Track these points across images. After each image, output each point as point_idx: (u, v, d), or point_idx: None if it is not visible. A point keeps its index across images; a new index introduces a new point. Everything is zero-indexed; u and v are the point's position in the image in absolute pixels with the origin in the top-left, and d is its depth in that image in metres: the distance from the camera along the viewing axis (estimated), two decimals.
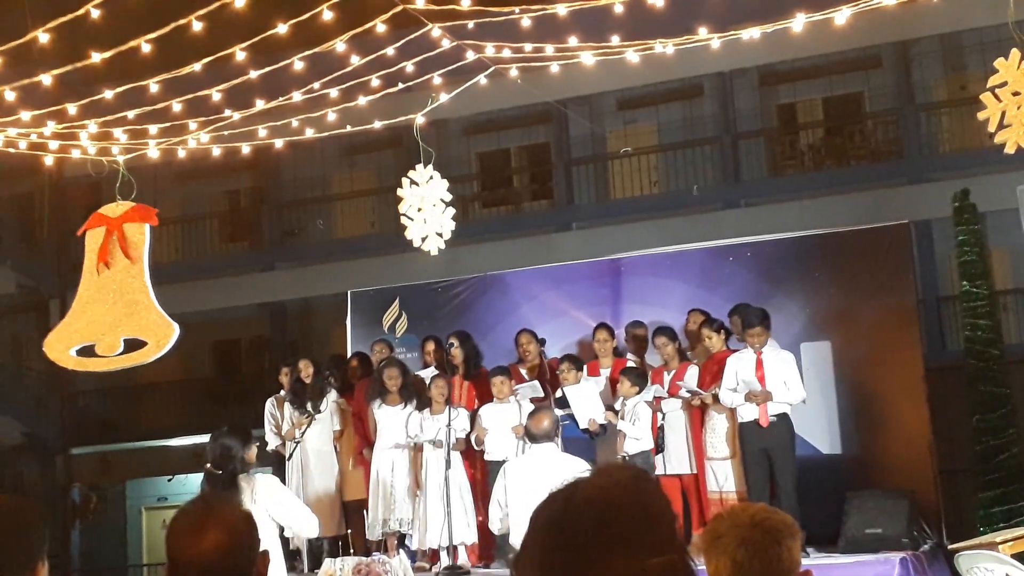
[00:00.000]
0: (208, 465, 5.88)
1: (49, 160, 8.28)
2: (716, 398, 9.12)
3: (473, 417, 9.53)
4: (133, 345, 7.16)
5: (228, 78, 7.25)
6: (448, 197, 8.41)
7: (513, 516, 7.23)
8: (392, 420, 9.70)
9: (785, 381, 8.83)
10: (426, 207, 8.38)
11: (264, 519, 5.72)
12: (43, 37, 5.95)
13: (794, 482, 8.68)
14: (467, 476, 9.38)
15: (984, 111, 6.31)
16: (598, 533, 1.57)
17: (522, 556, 1.62)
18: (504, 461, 8.30)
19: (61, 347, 7.08)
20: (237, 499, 5.63)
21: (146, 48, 6.18)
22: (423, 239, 8.43)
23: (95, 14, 5.69)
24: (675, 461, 9.34)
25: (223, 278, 20.67)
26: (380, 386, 9.78)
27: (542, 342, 10.23)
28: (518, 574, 1.63)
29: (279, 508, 5.86)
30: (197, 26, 6.03)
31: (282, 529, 6.52)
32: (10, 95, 6.87)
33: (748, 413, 8.83)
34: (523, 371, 10.07)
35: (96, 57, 6.30)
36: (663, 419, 9.34)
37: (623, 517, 1.59)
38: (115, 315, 7.01)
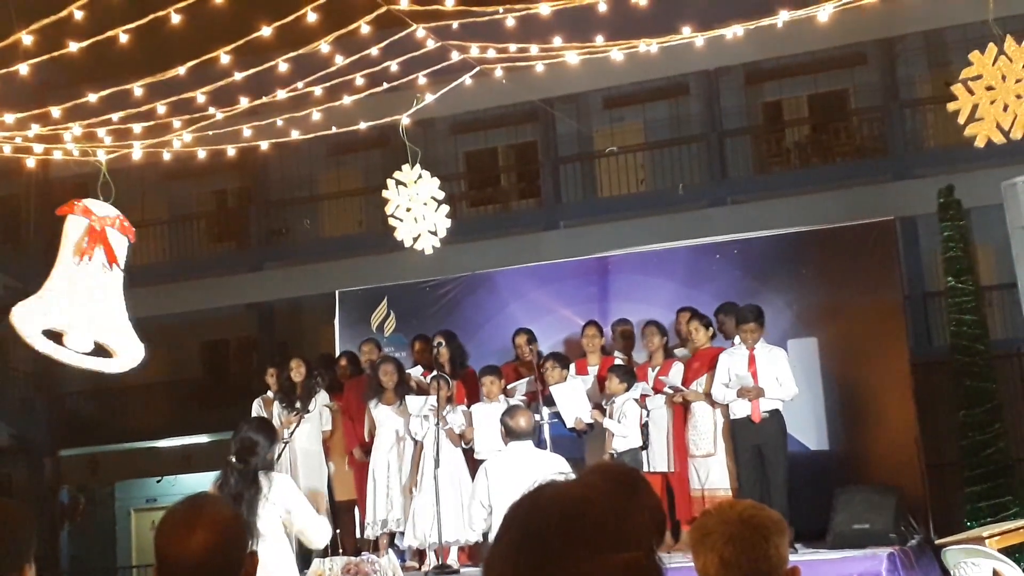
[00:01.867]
0: (232, 458, 5.66)
1: (31, 162, 8.24)
2: (699, 395, 9.16)
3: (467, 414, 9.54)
4: (99, 351, 7.00)
5: (213, 80, 7.24)
6: (440, 195, 8.38)
7: (496, 515, 7.23)
8: (389, 418, 9.71)
9: (777, 377, 8.88)
10: (416, 206, 8.35)
11: (275, 519, 5.63)
12: (27, 39, 5.94)
13: (785, 478, 8.72)
14: (468, 474, 9.35)
15: (955, 102, 6.33)
16: (562, 531, 1.58)
17: (493, 554, 1.64)
18: None
19: (32, 323, 6.78)
20: (256, 497, 5.54)
21: (127, 41, 6.14)
22: (415, 239, 8.38)
23: (78, 15, 5.68)
24: (657, 459, 9.37)
25: (211, 278, 20.63)
26: (376, 384, 9.79)
27: (533, 339, 10.25)
28: (489, 572, 1.65)
29: (293, 511, 5.72)
30: (176, 19, 6.00)
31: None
32: None
33: (740, 409, 8.86)
34: (519, 368, 10.09)
35: (74, 47, 6.24)
36: (647, 416, 9.37)
37: (587, 514, 1.60)
38: (90, 314, 6.87)
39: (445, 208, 8.37)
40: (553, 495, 1.64)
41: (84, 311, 6.81)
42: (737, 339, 9.24)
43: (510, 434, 7.12)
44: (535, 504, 1.63)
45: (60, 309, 6.77)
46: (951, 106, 6.34)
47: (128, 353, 6.97)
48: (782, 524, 2.53)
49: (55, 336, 6.83)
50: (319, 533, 5.88)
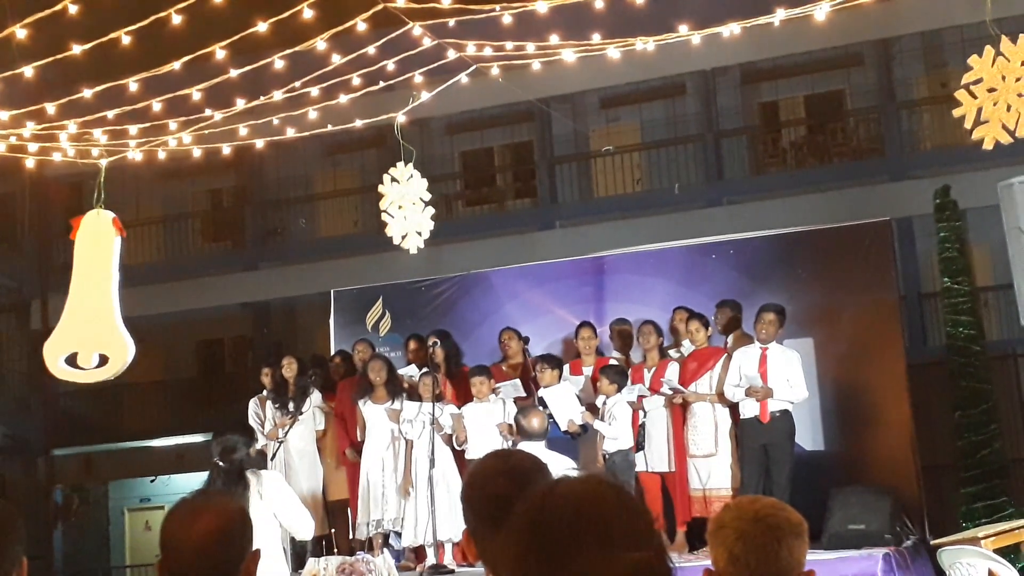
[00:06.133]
0: (215, 460, 5.90)
1: (30, 163, 8.22)
2: (699, 396, 9.16)
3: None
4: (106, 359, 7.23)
5: (208, 77, 7.21)
6: (427, 196, 8.41)
7: None
8: (379, 417, 9.68)
9: (788, 379, 8.89)
10: (406, 205, 8.38)
11: (269, 517, 5.72)
12: (20, 33, 5.92)
13: (789, 478, 8.73)
14: (458, 473, 9.35)
15: (960, 108, 6.34)
16: (574, 526, 1.57)
17: (501, 544, 1.63)
18: None
19: (52, 357, 7.26)
20: (244, 494, 5.66)
21: (126, 41, 6.14)
22: (403, 237, 8.43)
23: (72, 9, 5.66)
24: (655, 459, 9.36)
25: (206, 278, 20.60)
26: (366, 382, 9.77)
27: (525, 340, 10.23)
28: (496, 562, 1.64)
29: (283, 506, 5.86)
30: (176, 19, 5.99)
31: None
32: None
33: (749, 409, 8.87)
34: (504, 368, 10.07)
35: (76, 49, 6.25)
36: (644, 417, 9.36)
37: (600, 512, 1.59)
38: (89, 329, 7.12)
39: (431, 210, 8.40)
40: (567, 491, 1.63)
41: (84, 330, 7.09)
42: (731, 339, 9.26)
43: (522, 434, 7.13)
44: (546, 499, 1.62)
45: (70, 335, 7.08)
46: (956, 112, 6.34)
47: (120, 354, 7.12)
48: (801, 527, 2.49)
49: (73, 358, 7.15)
50: (306, 524, 6.07)
